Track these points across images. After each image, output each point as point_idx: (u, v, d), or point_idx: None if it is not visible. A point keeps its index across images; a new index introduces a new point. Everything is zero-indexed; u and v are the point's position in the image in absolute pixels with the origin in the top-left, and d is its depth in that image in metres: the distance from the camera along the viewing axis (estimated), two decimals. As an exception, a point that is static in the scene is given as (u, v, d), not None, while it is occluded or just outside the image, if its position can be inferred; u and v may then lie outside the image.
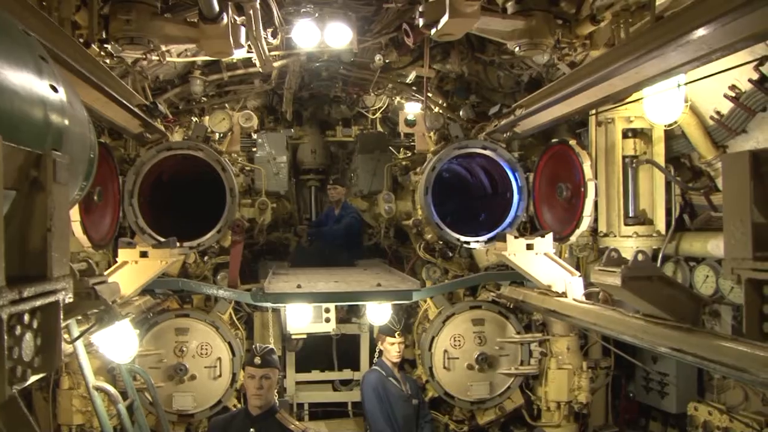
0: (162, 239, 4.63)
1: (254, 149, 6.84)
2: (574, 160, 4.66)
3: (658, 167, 4.41)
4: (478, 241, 5.29)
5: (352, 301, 4.88)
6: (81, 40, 3.42)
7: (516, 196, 5.34)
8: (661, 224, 4.48)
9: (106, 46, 3.62)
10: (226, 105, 6.52)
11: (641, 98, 4.04)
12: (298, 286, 4.37)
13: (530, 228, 5.43)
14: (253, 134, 6.93)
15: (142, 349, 4.75)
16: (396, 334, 5.14)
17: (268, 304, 4.81)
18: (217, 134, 5.52)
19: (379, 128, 8.55)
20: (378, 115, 8.33)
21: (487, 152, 5.36)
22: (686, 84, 3.69)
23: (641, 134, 4.53)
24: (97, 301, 2.60)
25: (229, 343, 5.07)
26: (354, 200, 7.45)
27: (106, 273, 3.58)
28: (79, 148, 1.87)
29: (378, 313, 5.15)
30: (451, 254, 5.62)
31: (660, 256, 4.42)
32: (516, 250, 4.43)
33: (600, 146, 4.63)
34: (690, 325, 2.71)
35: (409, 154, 7.20)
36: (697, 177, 4.40)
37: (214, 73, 5.90)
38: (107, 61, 3.84)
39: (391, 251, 7.04)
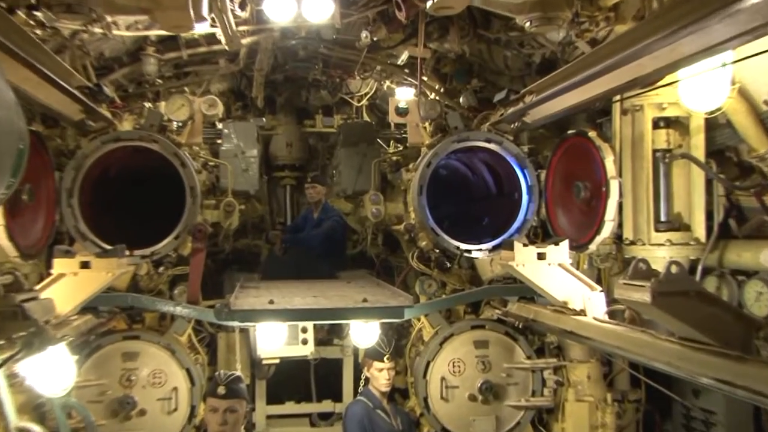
0: (108, 247, 4.62)
1: (219, 141, 6.98)
2: (594, 154, 4.66)
3: (696, 162, 4.39)
4: (480, 250, 5.33)
5: (334, 319, 4.90)
6: (2, 5, 3.35)
7: (525, 197, 5.35)
8: (700, 230, 4.45)
9: (36, 13, 3.54)
10: (186, 89, 6.44)
11: (676, 81, 3.99)
12: (270, 302, 4.39)
13: (542, 234, 5.46)
14: (217, 124, 7.03)
15: (81, 380, 4.66)
16: (385, 359, 5.18)
17: (235, 323, 4.80)
18: (174, 123, 5.54)
19: (366, 117, 8.66)
20: (364, 102, 8.42)
21: (492, 146, 5.37)
22: (734, 63, 3.62)
23: (676, 124, 4.51)
24: (26, 322, 2.57)
25: (188, 370, 5.05)
26: (336, 201, 7.54)
27: (37, 288, 3.55)
28: (2, 138, 1.85)
29: (364, 334, 5.15)
30: (449, 265, 5.63)
31: (699, 268, 4.36)
32: (525, 260, 4.41)
33: (626, 138, 4.60)
34: (740, 352, 2.65)
35: (401, 148, 7.23)
36: (746, 174, 4.31)
37: (170, 50, 5.87)
38: (38, 32, 3.76)
39: (379, 261, 7.19)
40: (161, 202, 5.19)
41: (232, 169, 6.31)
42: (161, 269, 5.28)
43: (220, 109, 5.81)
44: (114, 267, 4.13)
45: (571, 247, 4.59)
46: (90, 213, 4.94)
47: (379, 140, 7.63)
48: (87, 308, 4.34)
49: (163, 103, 5.63)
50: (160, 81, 6.32)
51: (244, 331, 5.58)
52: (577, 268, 4.73)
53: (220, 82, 7.44)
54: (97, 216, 5.05)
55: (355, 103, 8.52)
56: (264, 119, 8.59)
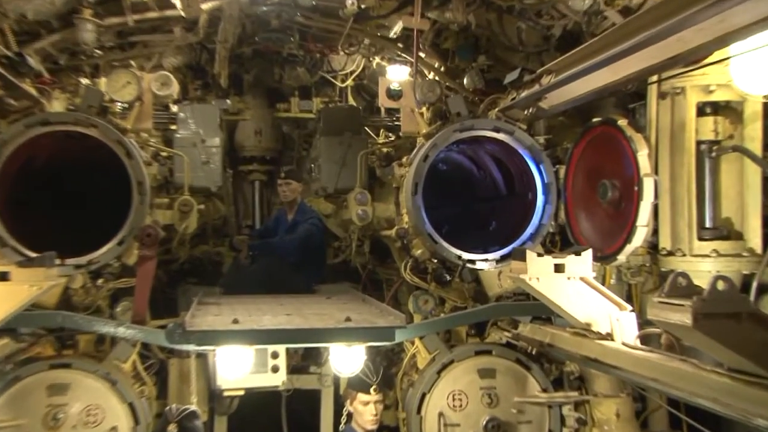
0: (33, 254, 4.58)
1: (174, 127, 6.99)
2: (625, 147, 4.63)
3: (750, 157, 4.33)
4: (486, 260, 5.32)
5: (311, 342, 4.91)
6: None
7: (540, 198, 5.35)
8: (754, 239, 4.40)
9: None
10: (132, 63, 6.43)
11: (727, 58, 3.97)
12: (234, 321, 4.41)
13: (560, 243, 5.45)
14: (171, 106, 7.03)
15: (-7, 420, 4.67)
16: (371, 390, 5.18)
17: (191, 347, 4.75)
18: (118, 104, 5.51)
19: (351, 101, 8.65)
20: (350, 82, 8.45)
21: (501, 136, 5.36)
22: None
23: (726, 110, 4.47)
24: None
25: (131, 405, 4.98)
26: (315, 201, 7.54)
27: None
28: None
29: (346, 360, 5.12)
30: (448, 278, 5.64)
31: (754, 285, 4.24)
32: (540, 273, 4.42)
33: (663, 127, 4.58)
34: (804, 387, 2.65)
35: (392, 138, 7.30)
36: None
37: (113, 14, 5.78)
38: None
39: (365, 273, 7.20)
40: (101, 201, 5.20)
41: (189, 160, 6.29)
42: (100, 282, 5.24)
43: (174, 88, 5.80)
44: (40, 279, 4.09)
45: (596, 258, 4.58)
46: (10, 213, 4.91)
47: (366, 128, 7.62)
48: (4, 330, 4.26)
49: (103, 80, 5.60)
50: (99, 52, 6.15)
51: (202, 357, 5.56)
52: (603, 283, 4.73)
53: (174, 55, 7.37)
54: (19, 216, 5.02)
55: (339, 84, 8.54)
56: (228, 101, 8.59)
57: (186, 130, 6.83)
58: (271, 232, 7.57)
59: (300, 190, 7.39)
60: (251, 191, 8.99)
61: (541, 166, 5.34)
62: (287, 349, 5.38)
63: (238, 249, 7.46)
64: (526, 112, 5.18)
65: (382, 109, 7.01)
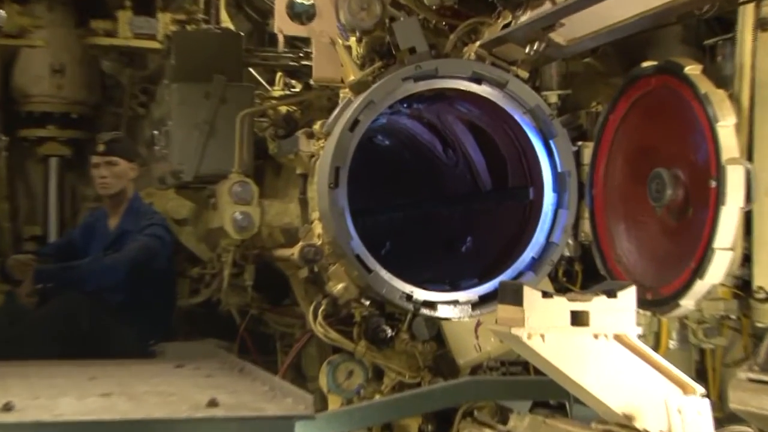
0: None
1: None
2: (696, 113, 4.48)
3: None
4: (456, 302, 5.16)
5: None
6: None
7: (550, 198, 5.23)
8: None
9: None
10: None
11: None
12: (6, 408, 4.24)
13: (582, 274, 5.40)
14: None
15: None
16: None
17: None
18: None
19: (226, 22, 8.60)
20: None
21: (485, 89, 5.16)
22: None
23: None
24: None
25: None
26: (159, 196, 7.46)
27: None
28: None
29: None
30: (390, 332, 5.46)
31: None
32: (548, 327, 4.18)
33: (763, 81, 4.39)
34: None
35: (297, 90, 7.41)
36: None
37: None
38: None
39: (245, 321, 7.07)
40: None
41: None
42: None
43: None
44: None
45: (643, 303, 4.51)
46: None
47: (252, 71, 7.64)
48: None
49: None
50: None
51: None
52: (657, 348, 4.76)
53: None
54: None
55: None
56: (3, 13, 8.24)
57: None
58: (78, 248, 7.24)
59: (132, 176, 7.07)
60: (42, 175, 8.79)
61: (552, 144, 5.16)
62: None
63: (12, 278, 7.15)
64: (527, 50, 4.99)
65: (280, 39, 6.74)
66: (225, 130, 6.82)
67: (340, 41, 5.70)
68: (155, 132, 7.72)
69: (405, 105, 5.44)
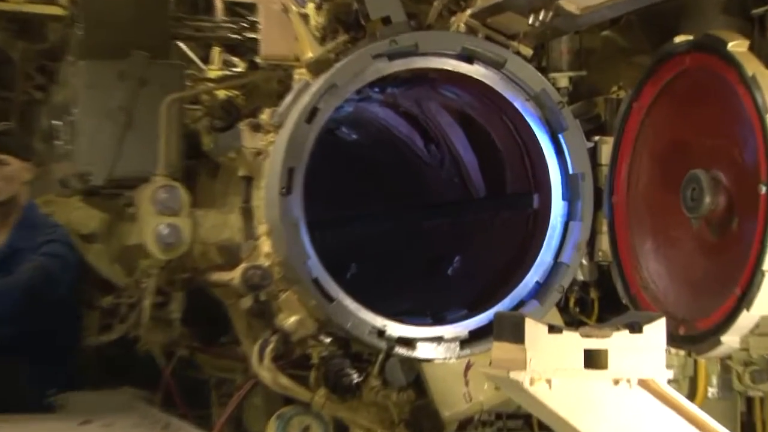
0: None
1: None
2: (742, 100, 4.29)
3: None
4: (440, 339, 5.06)
5: None
6: None
7: (559, 207, 5.14)
8: None
9: None
10: None
11: None
12: None
13: (599, 303, 5.33)
14: None
15: None
16: None
17: None
18: None
19: None
20: None
21: (477, 70, 5.06)
22: None
23: None
24: None
25: None
26: (61, 205, 7.18)
27: None
28: None
29: None
30: (356, 378, 5.28)
31: None
32: (556, 371, 3.96)
33: None
34: None
35: (239, 70, 7.47)
36: None
37: None
38: None
39: (173, 364, 6.83)
40: None
41: None
42: None
43: None
44: None
45: (676, 339, 4.46)
46: None
47: (181, 45, 7.41)
48: None
49: None
50: None
51: None
52: (692, 396, 4.84)
53: None
54: None
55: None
56: None
57: None
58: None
59: (26, 179, 6.69)
60: None
61: (561, 139, 5.01)
62: None
63: None
64: (531, 20, 4.87)
65: (218, 4, 6.64)
66: (146, 121, 6.36)
67: (294, 8, 5.59)
68: (56, 122, 7.42)
69: (377, 90, 5.32)
